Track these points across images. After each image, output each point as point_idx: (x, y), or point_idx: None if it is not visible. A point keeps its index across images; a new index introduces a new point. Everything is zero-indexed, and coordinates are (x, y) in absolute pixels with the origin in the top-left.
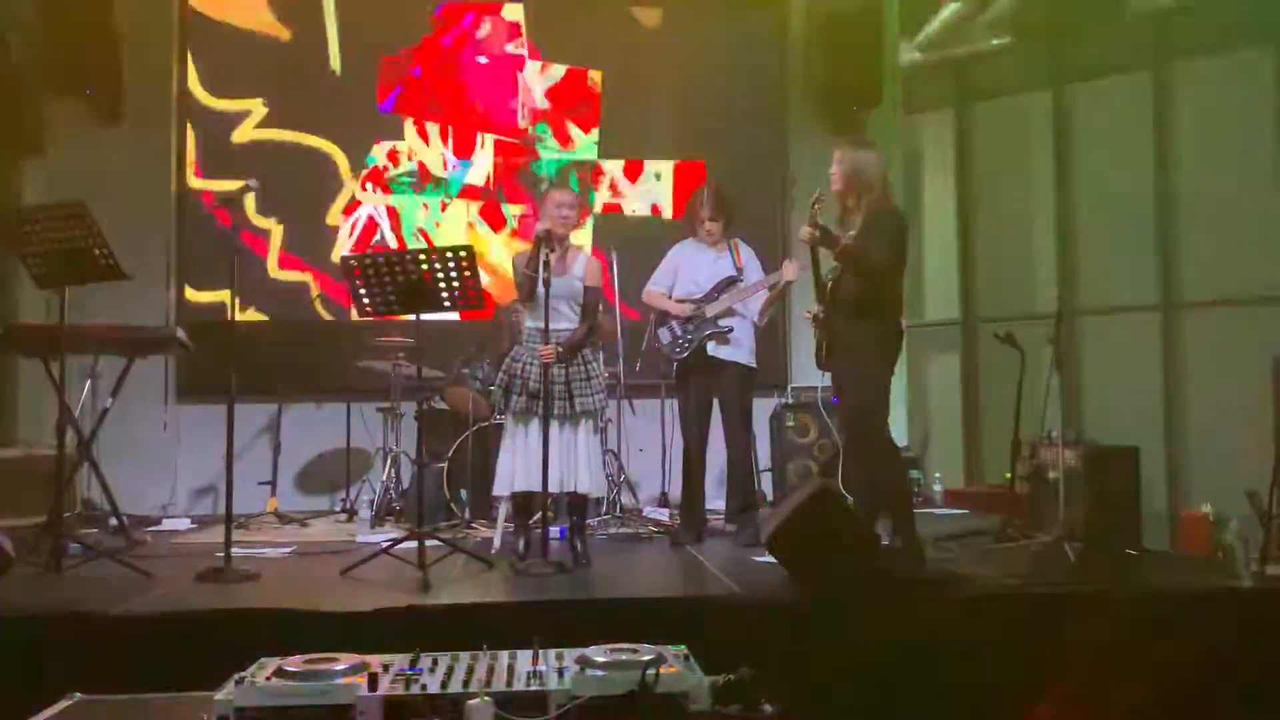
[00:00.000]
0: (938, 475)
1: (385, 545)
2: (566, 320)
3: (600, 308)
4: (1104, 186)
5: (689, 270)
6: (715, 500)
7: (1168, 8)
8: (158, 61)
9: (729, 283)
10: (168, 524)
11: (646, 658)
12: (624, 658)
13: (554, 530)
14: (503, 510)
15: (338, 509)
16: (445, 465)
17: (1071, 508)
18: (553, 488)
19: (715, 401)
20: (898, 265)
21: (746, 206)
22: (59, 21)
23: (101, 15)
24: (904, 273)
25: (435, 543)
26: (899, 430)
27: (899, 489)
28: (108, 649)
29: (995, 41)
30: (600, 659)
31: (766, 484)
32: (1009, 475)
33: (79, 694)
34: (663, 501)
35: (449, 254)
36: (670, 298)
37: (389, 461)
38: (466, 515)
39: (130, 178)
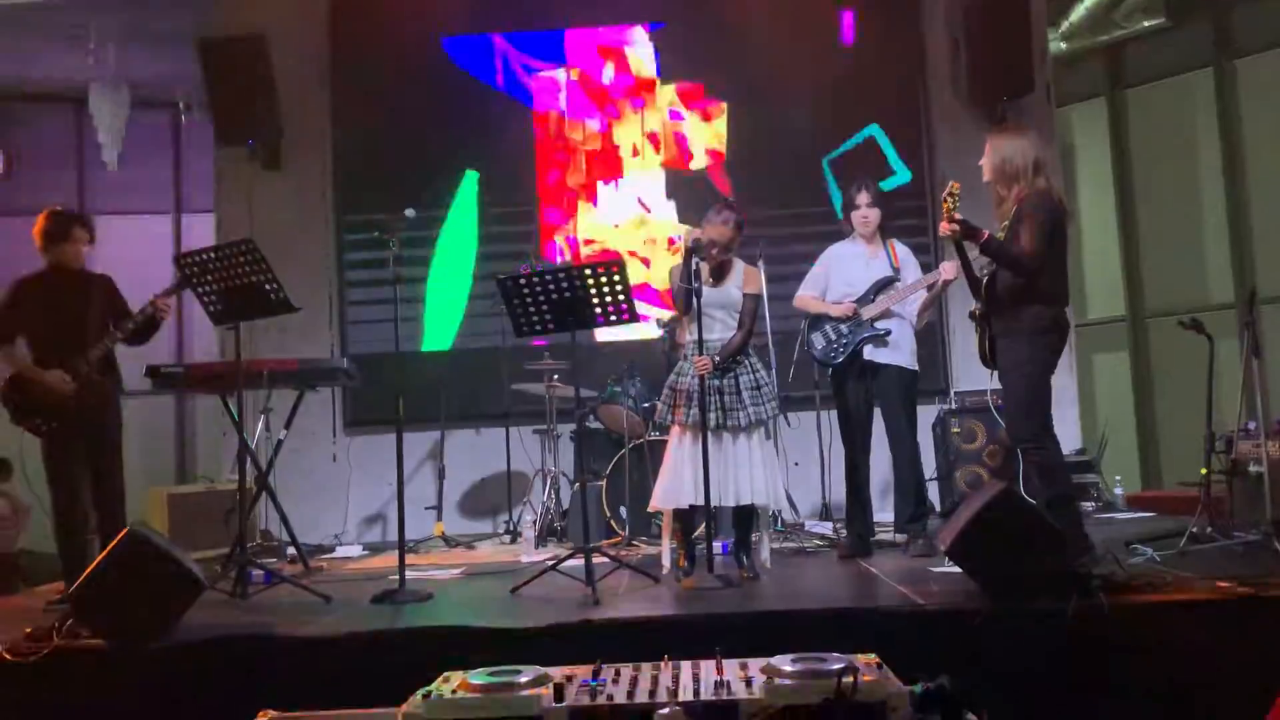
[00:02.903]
0: (1118, 478)
1: (552, 562)
2: (725, 329)
3: None
4: (1278, 165)
5: (842, 272)
6: (880, 511)
7: None
8: (312, 107)
9: (886, 283)
10: (340, 551)
11: (837, 666)
12: (814, 666)
13: (717, 544)
14: (668, 525)
15: (501, 531)
16: (603, 484)
17: (1278, 503)
18: (727, 501)
19: (876, 408)
20: (1048, 252)
21: (895, 207)
22: (221, 80)
23: (259, 71)
24: (1062, 259)
25: (600, 560)
26: (1071, 433)
27: (1061, 486)
28: (294, 669)
29: (1148, 23)
30: (788, 668)
31: (933, 493)
32: (1205, 471)
33: (272, 711)
34: (824, 514)
35: (599, 268)
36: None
37: (548, 482)
38: (626, 532)
39: (290, 217)
